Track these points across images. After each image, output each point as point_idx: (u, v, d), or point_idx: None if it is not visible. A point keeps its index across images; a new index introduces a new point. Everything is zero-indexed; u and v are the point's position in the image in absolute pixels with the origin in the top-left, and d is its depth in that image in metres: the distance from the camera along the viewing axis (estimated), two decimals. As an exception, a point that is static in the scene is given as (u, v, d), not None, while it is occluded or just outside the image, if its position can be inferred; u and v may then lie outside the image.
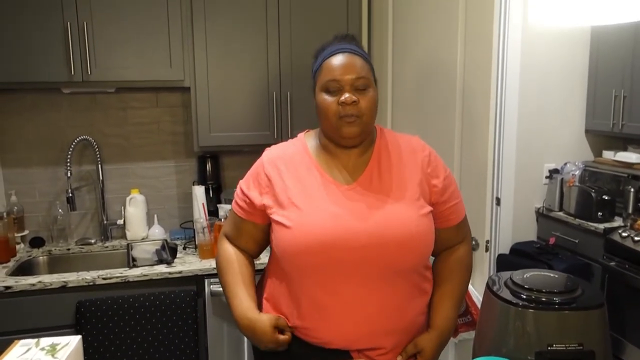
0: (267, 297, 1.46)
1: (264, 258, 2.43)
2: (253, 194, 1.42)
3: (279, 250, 1.35)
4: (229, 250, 1.51)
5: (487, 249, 2.21)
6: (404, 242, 1.30)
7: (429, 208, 1.38)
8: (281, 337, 1.36)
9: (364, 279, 1.31)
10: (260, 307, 1.46)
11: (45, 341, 1.00)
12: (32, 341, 1.01)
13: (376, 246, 1.29)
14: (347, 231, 1.29)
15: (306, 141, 1.45)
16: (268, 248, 1.50)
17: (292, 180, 1.38)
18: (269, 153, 1.46)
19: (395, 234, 1.30)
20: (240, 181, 1.48)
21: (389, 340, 1.37)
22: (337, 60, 1.33)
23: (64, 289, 2.24)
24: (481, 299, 1.99)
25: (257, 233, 1.46)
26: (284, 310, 1.40)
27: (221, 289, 2.35)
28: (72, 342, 1.00)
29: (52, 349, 0.97)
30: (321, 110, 1.34)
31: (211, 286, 2.38)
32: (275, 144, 1.51)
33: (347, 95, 1.29)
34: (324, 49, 1.39)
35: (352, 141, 1.35)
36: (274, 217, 1.36)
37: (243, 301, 1.40)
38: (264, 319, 1.36)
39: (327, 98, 1.32)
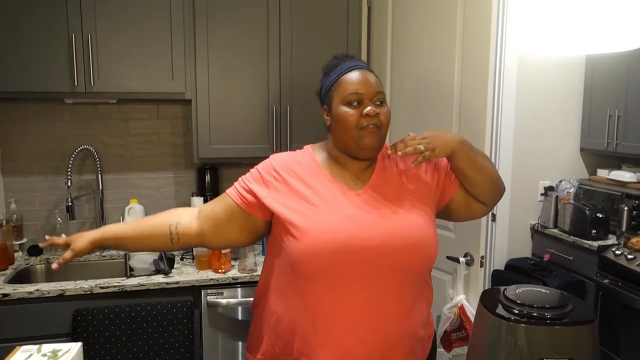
0: (279, 311, 1.44)
1: (261, 271, 2.45)
2: (257, 189, 1.42)
3: (294, 252, 1.35)
4: (182, 208, 1.54)
5: (482, 265, 2.24)
6: (415, 244, 1.36)
7: (433, 213, 1.46)
8: (86, 248, 1.38)
9: (375, 280, 1.34)
10: (267, 322, 1.48)
11: (47, 347, 1.02)
12: (34, 347, 1.02)
13: (389, 247, 1.33)
14: (359, 233, 1.33)
15: (314, 152, 1.49)
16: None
17: (302, 184, 1.40)
18: (277, 157, 1.48)
19: (407, 236, 1.36)
20: (243, 176, 1.48)
21: (396, 350, 1.38)
22: (356, 75, 1.38)
23: (61, 297, 2.25)
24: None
25: (250, 225, 1.45)
26: (296, 318, 1.39)
27: (217, 299, 2.38)
28: (73, 349, 1.01)
29: (54, 355, 0.99)
30: (341, 122, 1.38)
31: (208, 297, 2.39)
32: (274, 156, 1.52)
33: (370, 107, 1.35)
34: (336, 66, 1.43)
35: (369, 153, 1.39)
36: (286, 216, 1.36)
37: (122, 224, 1.49)
38: (99, 231, 1.43)
39: (348, 110, 1.37)
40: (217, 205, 1.48)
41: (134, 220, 1.50)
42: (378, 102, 1.38)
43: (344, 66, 1.41)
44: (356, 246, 1.32)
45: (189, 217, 1.49)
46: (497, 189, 1.52)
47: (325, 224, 1.34)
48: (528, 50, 1.49)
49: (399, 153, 1.37)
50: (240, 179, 1.49)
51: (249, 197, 1.43)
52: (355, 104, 1.36)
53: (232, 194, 1.46)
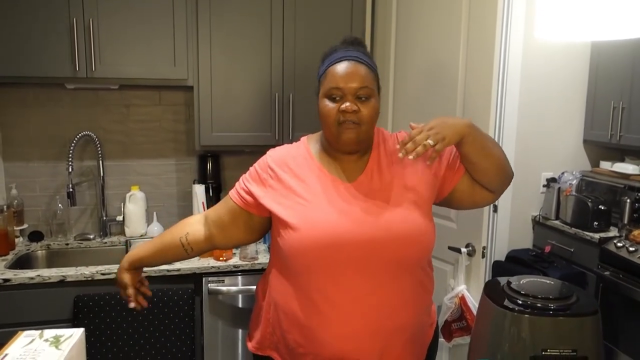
0: (277, 301, 1.46)
1: (262, 259, 2.46)
2: (255, 189, 1.45)
3: (286, 247, 1.37)
4: (188, 218, 1.59)
5: (483, 255, 2.23)
6: (407, 236, 1.34)
7: (430, 204, 1.43)
8: (127, 276, 1.54)
9: (371, 273, 1.33)
10: (267, 311, 1.49)
11: (49, 333, 1.02)
12: (36, 332, 1.02)
13: (381, 240, 1.33)
14: (351, 226, 1.33)
15: (308, 144, 1.49)
16: (266, 250, 1.52)
17: (296, 179, 1.41)
18: (273, 153, 1.49)
19: (399, 229, 1.34)
20: (244, 175, 1.51)
21: (396, 341, 1.38)
22: (342, 67, 1.35)
23: (62, 283, 2.25)
24: (477, 305, 2.01)
25: (253, 223, 1.50)
26: (294, 309, 1.40)
27: (218, 287, 2.40)
28: (75, 335, 1.01)
29: (56, 341, 0.98)
30: (322, 116, 1.38)
31: (209, 285, 2.39)
32: (276, 145, 1.55)
33: (348, 104, 1.32)
34: (331, 53, 1.40)
35: (350, 147, 1.38)
36: (279, 214, 1.38)
37: (139, 247, 1.57)
38: (124, 260, 1.55)
39: (329, 104, 1.35)
40: (221, 208, 1.53)
41: (151, 240, 1.58)
42: (363, 97, 1.34)
43: (335, 56, 1.38)
44: (347, 240, 1.32)
45: (196, 225, 1.55)
46: (505, 175, 1.46)
47: (315, 219, 1.34)
48: (536, 34, 1.47)
49: (410, 157, 1.28)
50: (240, 179, 1.52)
51: (248, 198, 1.46)
52: (337, 98, 1.34)
53: (234, 196, 1.51)
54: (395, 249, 1.34)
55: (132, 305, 1.54)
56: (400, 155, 1.30)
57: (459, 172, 1.47)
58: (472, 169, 1.44)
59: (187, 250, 1.53)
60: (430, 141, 1.28)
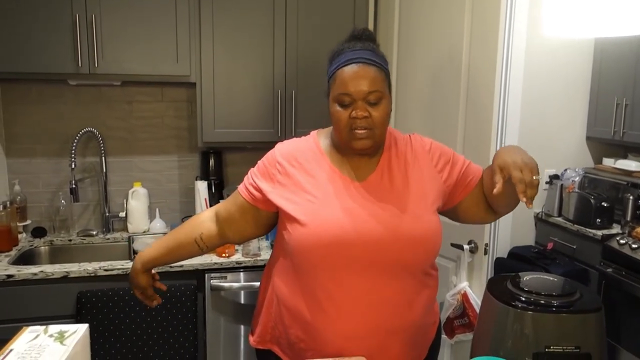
0: (280, 296, 1.46)
1: (264, 255, 2.46)
2: (263, 184, 1.44)
3: (292, 243, 1.36)
4: (199, 216, 1.58)
5: (485, 252, 2.23)
6: (414, 239, 1.33)
7: (437, 208, 1.42)
8: (143, 278, 1.54)
9: (374, 273, 1.33)
10: (269, 306, 1.50)
11: (54, 328, 1.02)
12: (41, 328, 1.02)
13: (388, 242, 1.32)
14: (359, 226, 1.32)
15: (318, 139, 1.47)
16: (269, 246, 1.51)
17: (305, 175, 1.40)
18: (281, 146, 1.47)
19: (407, 231, 1.33)
20: (252, 169, 1.50)
21: (396, 340, 1.38)
22: (350, 71, 1.31)
23: (65, 279, 2.26)
24: (479, 302, 2.01)
25: (261, 217, 1.49)
26: (296, 305, 1.40)
27: (221, 283, 2.41)
28: (79, 330, 1.01)
29: (61, 336, 0.99)
30: (333, 121, 1.36)
31: (211, 281, 2.39)
32: (279, 141, 1.53)
33: (358, 111, 1.30)
34: (340, 52, 1.37)
35: (362, 152, 1.37)
36: (287, 209, 1.37)
37: (150, 248, 1.56)
38: (138, 262, 1.53)
39: (339, 110, 1.33)
40: (231, 204, 1.53)
41: (162, 240, 1.57)
42: (373, 102, 1.31)
43: (343, 57, 1.35)
44: (354, 240, 1.31)
45: (208, 223, 1.55)
46: (516, 205, 1.46)
47: (323, 216, 1.33)
48: (544, 32, 1.47)
49: (531, 204, 1.21)
50: (249, 173, 1.51)
51: (256, 193, 1.45)
52: (347, 103, 1.32)
53: (242, 191, 1.50)
54: (401, 250, 1.33)
55: (154, 304, 1.58)
56: (530, 206, 1.22)
57: (470, 186, 1.47)
58: (498, 196, 1.36)
59: (203, 249, 1.54)
60: (536, 177, 1.24)
